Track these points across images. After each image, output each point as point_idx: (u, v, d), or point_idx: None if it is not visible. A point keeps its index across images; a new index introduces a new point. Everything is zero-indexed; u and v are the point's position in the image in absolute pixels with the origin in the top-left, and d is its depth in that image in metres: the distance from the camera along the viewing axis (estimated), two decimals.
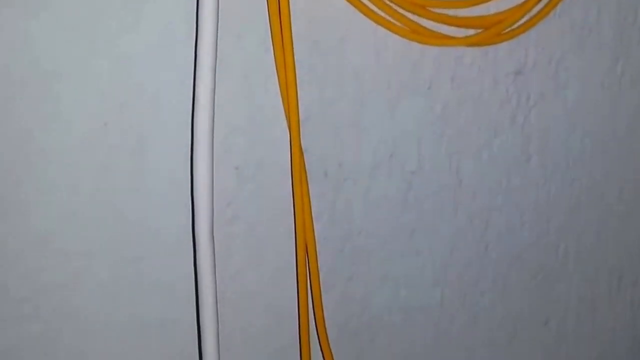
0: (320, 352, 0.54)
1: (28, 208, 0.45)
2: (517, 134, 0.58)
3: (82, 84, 0.45)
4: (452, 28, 0.54)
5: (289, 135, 0.50)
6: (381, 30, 0.52)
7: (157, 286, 0.49)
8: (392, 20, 0.52)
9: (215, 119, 0.45)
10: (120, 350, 0.49)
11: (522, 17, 0.55)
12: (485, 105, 0.56)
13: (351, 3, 0.51)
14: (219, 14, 0.44)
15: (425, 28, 0.53)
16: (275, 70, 0.49)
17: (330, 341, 0.54)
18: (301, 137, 0.49)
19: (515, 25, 0.56)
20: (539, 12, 0.56)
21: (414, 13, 0.52)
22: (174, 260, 0.49)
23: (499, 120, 0.57)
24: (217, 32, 0.44)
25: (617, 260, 0.65)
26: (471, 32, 0.54)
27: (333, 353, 0.54)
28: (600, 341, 0.65)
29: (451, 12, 0.53)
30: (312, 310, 0.53)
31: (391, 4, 0.52)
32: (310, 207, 0.51)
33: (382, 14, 0.52)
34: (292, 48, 0.48)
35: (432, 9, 0.53)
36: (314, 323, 0.54)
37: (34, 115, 0.44)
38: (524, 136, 0.58)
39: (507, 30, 0.55)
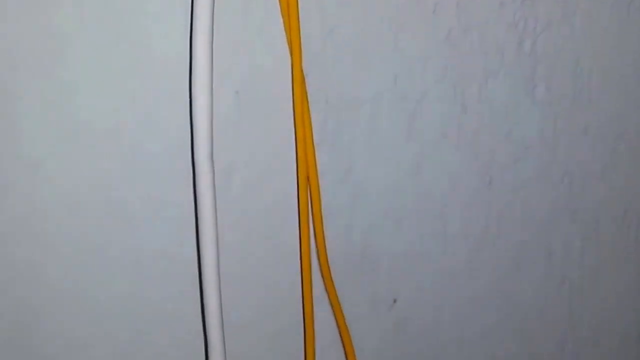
0: (322, 284, 0.54)
1: (21, 130, 0.44)
2: (524, 61, 0.56)
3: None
4: None
5: (290, 58, 0.48)
6: None
7: (156, 213, 0.48)
8: None
9: (214, 42, 0.44)
10: (118, 278, 0.48)
11: None
12: (491, 31, 0.55)
13: None
14: None
15: None
16: None
17: (332, 273, 0.53)
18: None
19: None
20: None
21: None
22: (172, 186, 0.48)
23: (505, 46, 0.55)
24: None
25: (622, 193, 0.64)
26: None
27: (335, 285, 0.54)
28: (604, 274, 0.65)
29: None
30: (313, 242, 0.53)
31: None
32: (312, 134, 0.50)
33: None
34: None
35: None
36: (315, 255, 0.53)
37: None
38: (530, 64, 0.57)
39: None
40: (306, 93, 0.49)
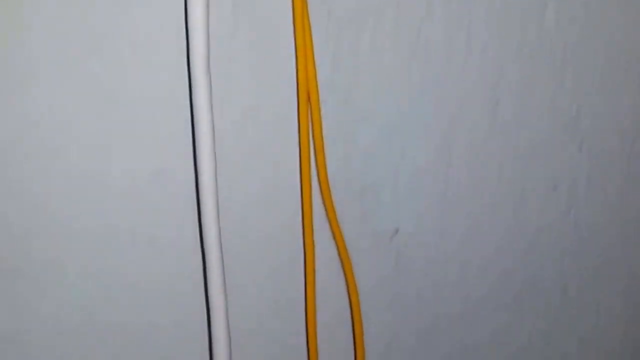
0: (322, 211, 0.52)
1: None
2: None
3: None
4: None
5: None
6: None
7: (153, 131, 0.46)
8: None
9: None
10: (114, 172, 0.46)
11: None
12: None
13: None
14: None
15: None
16: None
17: (333, 201, 0.51)
18: None
19: None
20: None
21: None
22: (168, 100, 0.46)
23: None
24: None
25: (631, 123, 0.62)
26: None
27: (337, 212, 0.52)
28: (610, 206, 0.63)
29: None
30: (314, 168, 0.51)
31: None
32: (313, 49, 0.48)
33: None
34: None
35: None
36: (316, 182, 0.51)
37: None
38: None
39: None
40: (307, 4, 0.47)
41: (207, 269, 0.45)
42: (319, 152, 0.50)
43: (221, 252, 0.46)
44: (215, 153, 0.44)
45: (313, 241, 0.51)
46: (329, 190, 0.51)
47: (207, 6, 0.42)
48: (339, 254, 0.53)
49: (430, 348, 0.60)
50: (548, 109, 0.58)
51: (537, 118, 0.58)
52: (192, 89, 0.43)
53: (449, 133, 0.56)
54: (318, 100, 0.49)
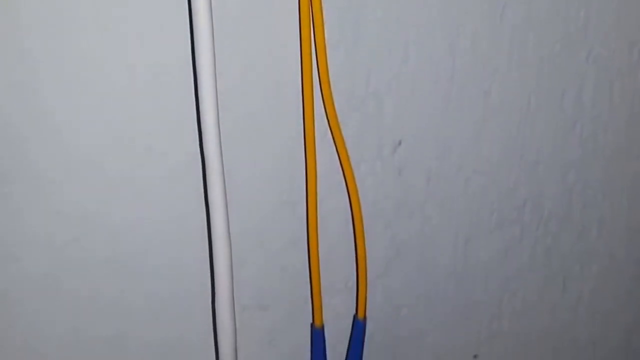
0: (326, 122, 0.50)
1: None
2: None
3: None
4: None
5: None
6: None
7: (153, 44, 0.44)
8: None
9: None
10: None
11: None
12: None
13: None
14: None
15: None
16: None
17: (336, 109, 0.50)
18: None
19: None
20: None
21: None
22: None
23: None
24: None
25: (638, 30, 0.60)
26: None
27: (340, 122, 0.50)
28: (618, 115, 0.62)
29: None
30: (316, 75, 0.49)
31: None
32: None
33: None
34: None
35: None
36: (319, 91, 0.49)
37: None
38: None
39: None
40: None
41: (207, 175, 0.44)
42: (321, 58, 0.48)
43: (221, 157, 0.44)
44: (214, 53, 0.42)
45: (315, 151, 0.50)
46: (332, 98, 0.49)
47: None
48: (341, 165, 0.51)
49: (431, 264, 0.59)
50: (556, 15, 0.56)
51: (544, 25, 0.56)
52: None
53: (454, 39, 0.54)
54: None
